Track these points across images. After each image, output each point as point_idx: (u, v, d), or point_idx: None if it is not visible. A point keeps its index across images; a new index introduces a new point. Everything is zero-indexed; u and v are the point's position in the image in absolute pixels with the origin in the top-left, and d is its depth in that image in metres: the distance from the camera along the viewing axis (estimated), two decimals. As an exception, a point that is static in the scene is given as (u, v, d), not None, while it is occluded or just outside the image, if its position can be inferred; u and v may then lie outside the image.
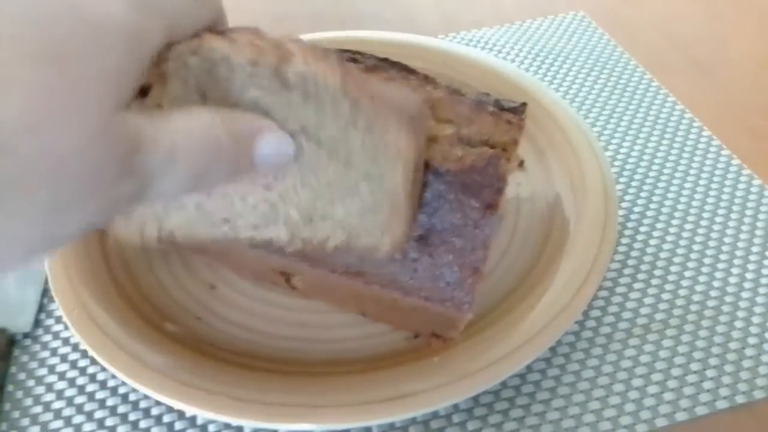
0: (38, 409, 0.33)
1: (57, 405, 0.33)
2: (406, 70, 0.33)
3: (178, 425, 0.32)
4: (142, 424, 0.32)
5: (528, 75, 0.46)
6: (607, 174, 0.38)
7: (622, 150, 0.46)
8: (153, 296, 0.35)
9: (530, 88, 0.43)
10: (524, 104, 0.34)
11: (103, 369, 0.33)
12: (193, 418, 0.32)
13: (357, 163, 0.24)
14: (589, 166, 0.39)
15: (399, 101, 0.25)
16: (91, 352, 0.31)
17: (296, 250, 0.26)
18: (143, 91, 0.22)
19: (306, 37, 0.48)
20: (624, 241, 0.40)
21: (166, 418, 0.32)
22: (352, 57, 0.34)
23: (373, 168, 0.25)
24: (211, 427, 0.32)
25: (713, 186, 0.43)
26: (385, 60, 0.34)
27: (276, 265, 0.33)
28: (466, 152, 0.29)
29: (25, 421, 0.32)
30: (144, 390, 0.30)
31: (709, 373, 0.33)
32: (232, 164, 0.21)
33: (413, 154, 0.25)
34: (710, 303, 0.36)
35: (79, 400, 0.33)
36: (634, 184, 0.43)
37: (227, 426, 0.31)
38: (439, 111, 0.31)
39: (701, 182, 0.43)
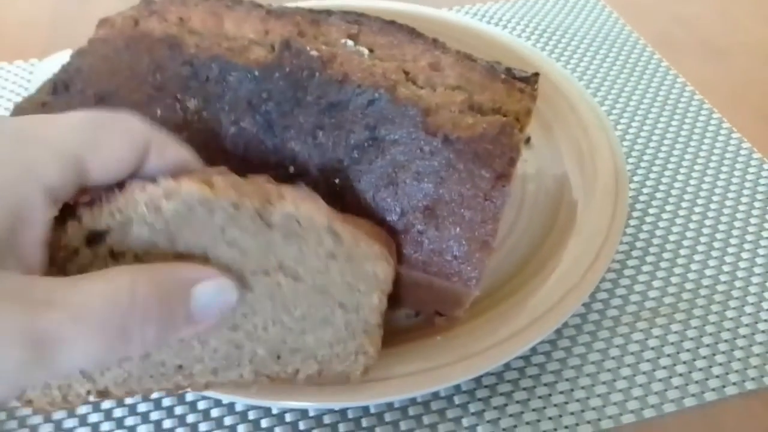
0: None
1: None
2: (412, 34, 0.31)
3: (166, 401, 0.30)
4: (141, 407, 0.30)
5: (536, 49, 0.44)
6: (617, 152, 0.37)
7: (631, 130, 0.44)
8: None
9: (538, 62, 0.41)
10: (536, 74, 0.32)
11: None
12: (182, 396, 0.30)
13: (334, 293, 0.24)
14: (598, 143, 0.37)
15: (374, 231, 0.26)
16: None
17: None
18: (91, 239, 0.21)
19: (312, 3, 0.46)
20: (632, 222, 0.38)
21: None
22: (357, 20, 0.32)
23: (350, 297, 0.25)
24: (201, 404, 0.30)
25: (723, 169, 0.42)
26: (392, 23, 0.32)
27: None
28: (477, 120, 0.28)
29: (37, 419, 0.30)
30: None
31: (719, 358, 0.32)
32: (162, 319, 0.19)
33: (390, 280, 0.25)
34: (720, 287, 0.35)
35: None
36: (643, 165, 0.42)
37: (219, 403, 0.30)
38: (449, 76, 0.29)
39: (711, 165, 0.42)
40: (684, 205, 0.39)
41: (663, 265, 0.36)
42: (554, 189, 0.36)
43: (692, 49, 0.52)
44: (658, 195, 0.40)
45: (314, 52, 0.29)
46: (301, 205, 0.23)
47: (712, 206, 0.39)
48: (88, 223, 0.21)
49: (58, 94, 0.31)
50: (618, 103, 0.46)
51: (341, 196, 0.28)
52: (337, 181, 0.28)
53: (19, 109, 0.32)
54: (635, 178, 0.41)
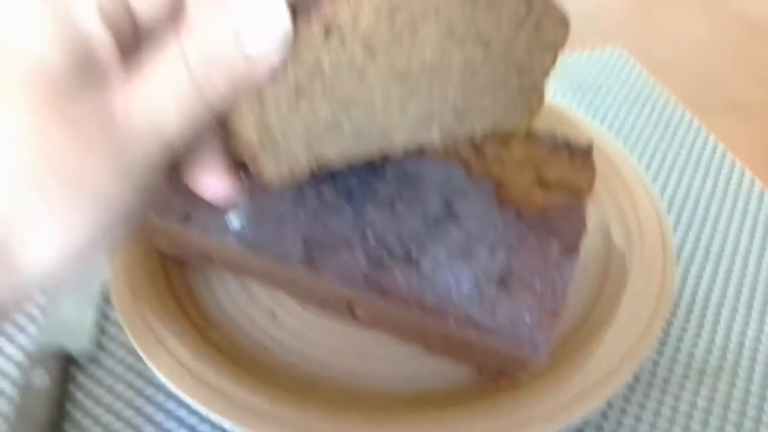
0: (97, 430, 0.32)
1: (116, 426, 0.33)
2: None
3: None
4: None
5: (574, 110, 0.46)
6: (663, 216, 0.38)
7: (668, 189, 0.46)
8: (216, 321, 0.35)
9: (579, 124, 0.44)
10: (591, 146, 0.34)
11: (160, 389, 0.33)
12: None
13: (516, 58, 0.29)
14: (644, 206, 0.39)
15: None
16: (160, 376, 0.31)
17: (373, 281, 0.28)
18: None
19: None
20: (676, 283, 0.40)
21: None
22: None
23: (528, 60, 0.29)
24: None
25: (759, 228, 0.43)
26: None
27: (344, 294, 0.33)
28: (546, 195, 0.30)
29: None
30: (204, 411, 0.30)
31: (765, 418, 0.34)
32: (221, 69, 0.19)
33: (565, 41, 0.29)
34: (762, 347, 0.37)
35: (137, 421, 0.33)
36: (681, 225, 0.44)
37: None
38: (516, 152, 0.31)
39: (746, 225, 0.44)
40: (723, 263, 0.41)
41: (707, 326, 0.38)
42: (602, 248, 0.38)
43: (721, 107, 0.54)
44: (698, 255, 0.42)
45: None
46: None
47: (750, 266, 0.41)
48: (326, 14, 0.23)
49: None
50: (646, 158, 0.48)
51: (417, 263, 0.29)
52: (413, 249, 0.29)
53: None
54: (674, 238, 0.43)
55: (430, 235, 0.29)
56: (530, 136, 0.32)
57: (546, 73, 0.31)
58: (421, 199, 0.30)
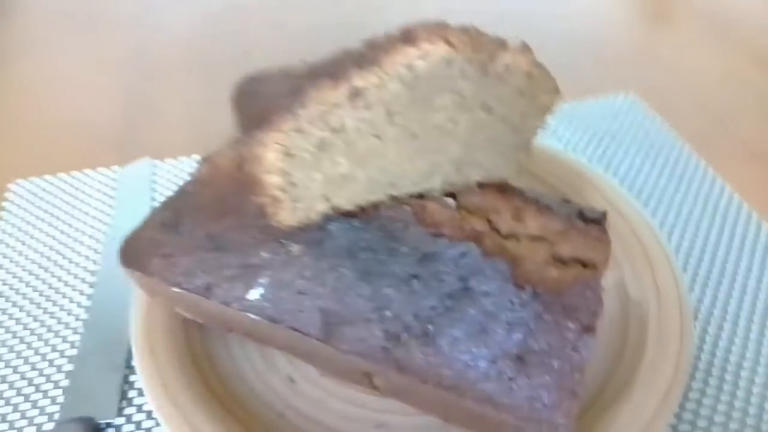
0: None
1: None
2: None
3: None
4: None
5: (588, 165, 0.47)
6: (680, 282, 0.38)
7: (684, 243, 0.46)
8: (234, 386, 0.35)
9: (594, 181, 0.44)
10: (605, 214, 0.34)
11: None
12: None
13: (513, 120, 0.32)
14: (659, 265, 0.39)
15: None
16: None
17: (387, 355, 0.29)
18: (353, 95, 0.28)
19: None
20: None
21: None
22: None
23: (523, 122, 0.33)
24: None
25: (775, 283, 0.43)
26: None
27: (362, 366, 0.33)
28: (561, 272, 0.30)
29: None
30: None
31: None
32: None
33: (555, 106, 0.33)
34: (783, 412, 0.36)
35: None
36: (699, 280, 0.44)
37: None
38: (530, 227, 0.32)
39: (764, 280, 0.44)
40: (741, 322, 0.41)
41: (725, 387, 0.38)
42: (619, 311, 0.38)
43: (736, 155, 0.54)
44: (716, 312, 0.42)
45: (407, 207, 0.32)
46: (519, 58, 0.30)
47: (769, 324, 0.41)
48: (355, 81, 0.28)
49: (167, 233, 0.34)
50: (662, 210, 0.48)
51: (434, 340, 0.30)
52: (430, 326, 0.30)
53: (128, 245, 0.35)
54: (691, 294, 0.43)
55: (447, 312, 0.30)
56: (544, 208, 0.33)
57: (535, 132, 0.34)
58: (437, 278, 0.30)
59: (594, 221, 0.34)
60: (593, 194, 0.42)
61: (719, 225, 0.48)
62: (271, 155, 0.27)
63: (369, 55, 0.28)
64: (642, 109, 0.58)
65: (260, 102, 0.29)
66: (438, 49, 0.28)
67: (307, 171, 0.29)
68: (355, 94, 0.28)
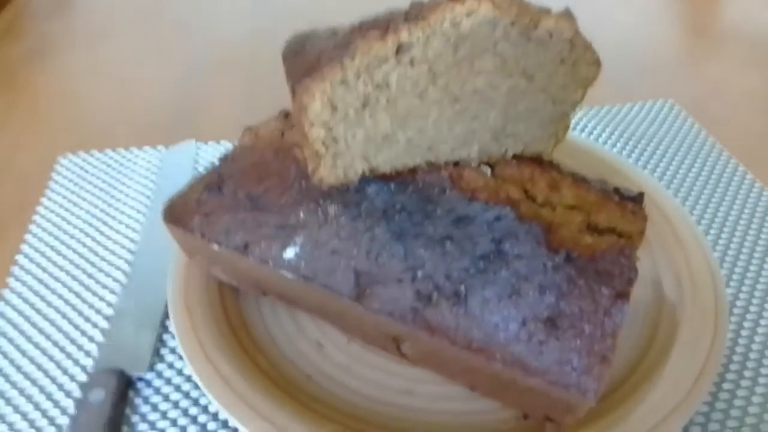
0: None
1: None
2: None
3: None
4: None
5: (626, 160, 0.47)
6: (716, 269, 0.38)
7: (720, 242, 0.46)
8: (266, 349, 0.36)
9: (631, 175, 0.44)
10: (642, 194, 0.34)
11: (214, 417, 0.34)
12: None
13: (552, 91, 0.32)
14: (696, 258, 0.39)
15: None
16: (212, 400, 0.32)
17: (419, 316, 0.29)
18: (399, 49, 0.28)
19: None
20: (728, 335, 0.39)
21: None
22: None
23: (562, 93, 0.33)
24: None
25: (816, 286, 0.42)
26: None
27: (391, 330, 0.33)
28: (595, 240, 0.30)
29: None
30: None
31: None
32: None
33: (595, 78, 0.32)
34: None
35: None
36: (735, 278, 0.43)
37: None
38: (566, 196, 0.32)
39: (804, 281, 0.43)
40: (779, 320, 0.40)
41: (761, 380, 0.37)
42: (653, 302, 0.38)
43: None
44: (752, 309, 0.41)
45: (444, 172, 0.32)
46: (560, 22, 0.30)
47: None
48: (402, 35, 0.28)
49: (210, 194, 0.35)
50: (698, 210, 0.48)
51: (466, 301, 0.30)
52: (462, 287, 0.30)
53: (173, 204, 0.36)
54: (728, 290, 0.42)
55: (479, 274, 0.30)
56: (580, 181, 0.33)
57: (575, 105, 0.34)
58: (471, 240, 0.31)
59: (631, 199, 0.34)
60: (628, 185, 0.42)
61: (757, 227, 0.47)
62: (316, 105, 0.28)
63: (416, 11, 0.28)
64: (681, 116, 0.58)
65: (309, 56, 0.30)
66: (483, 8, 0.28)
67: (350, 126, 0.30)
68: (402, 48, 0.28)
